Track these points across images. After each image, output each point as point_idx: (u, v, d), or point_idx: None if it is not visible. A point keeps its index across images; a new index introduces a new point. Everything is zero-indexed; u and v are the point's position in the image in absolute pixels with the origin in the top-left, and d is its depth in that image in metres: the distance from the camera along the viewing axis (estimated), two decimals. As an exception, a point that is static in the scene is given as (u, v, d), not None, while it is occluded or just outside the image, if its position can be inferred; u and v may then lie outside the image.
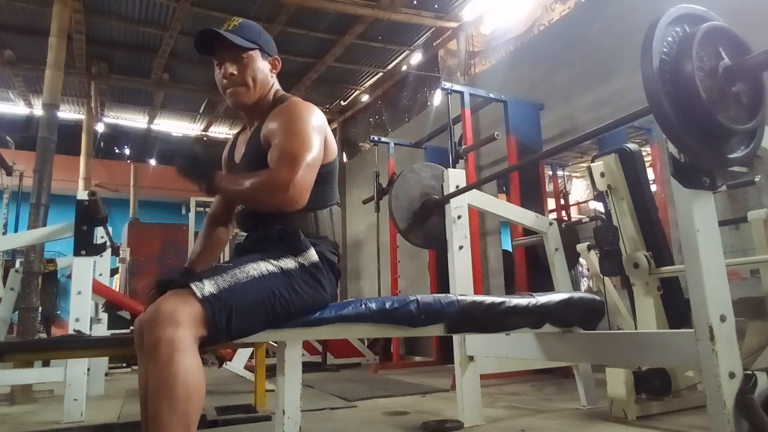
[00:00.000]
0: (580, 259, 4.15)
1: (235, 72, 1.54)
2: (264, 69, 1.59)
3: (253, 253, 1.43)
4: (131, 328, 4.05)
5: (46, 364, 3.30)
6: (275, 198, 1.38)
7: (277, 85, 1.66)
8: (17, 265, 5.09)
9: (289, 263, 1.41)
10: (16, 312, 4.04)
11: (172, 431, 1.11)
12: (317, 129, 1.49)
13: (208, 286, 1.24)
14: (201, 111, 9.79)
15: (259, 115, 1.60)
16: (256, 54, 1.57)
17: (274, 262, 1.39)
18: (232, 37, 1.51)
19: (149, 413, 1.14)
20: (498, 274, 5.43)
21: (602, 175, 2.63)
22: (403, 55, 7.73)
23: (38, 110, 8.61)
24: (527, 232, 3.79)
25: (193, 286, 1.22)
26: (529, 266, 4.24)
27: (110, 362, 5.16)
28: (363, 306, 1.54)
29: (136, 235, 9.20)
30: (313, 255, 1.45)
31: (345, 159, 9.70)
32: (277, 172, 1.39)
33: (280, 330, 1.41)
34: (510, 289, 4.92)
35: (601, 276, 2.86)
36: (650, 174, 3.78)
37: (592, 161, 2.75)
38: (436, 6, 6.57)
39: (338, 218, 1.61)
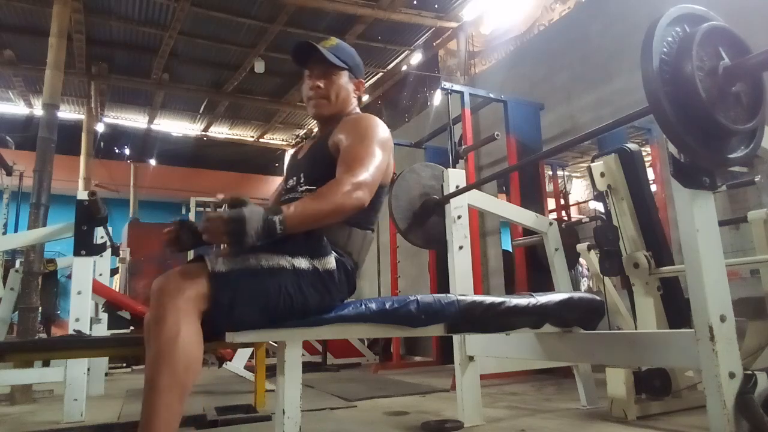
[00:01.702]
0: (580, 259, 4.15)
1: (322, 86, 1.67)
2: (348, 88, 1.72)
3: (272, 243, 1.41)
4: (131, 328, 4.06)
5: (46, 364, 3.29)
6: (342, 189, 1.38)
7: (355, 105, 1.76)
8: (17, 265, 5.08)
9: (303, 263, 1.40)
10: (16, 312, 4.04)
11: (168, 397, 1.15)
12: (383, 141, 1.56)
13: (220, 263, 1.29)
14: (201, 111, 9.79)
15: (331, 127, 1.68)
16: (345, 73, 1.70)
17: (289, 258, 1.38)
18: (327, 54, 1.64)
19: (145, 375, 1.18)
20: (498, 274, 5.43)
21: (602, 175, 2.63)
22: (403, 55, 7.73)
23: (38, 110, 8.61)
24: (527, 232, 3.79)
25: (206, 259, 1.28)
26: (529, 266, 4.24)
27: (110, 362, 5.16)
28: (363, 306, 1.53)
29: (136, 235, 9.19)
30: (330, 262, 1.44)
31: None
32: (344, 173, 1.44)
33: (280, 330, 1.41)
34: (510, 289, 4.91)
35: (601, 276, 2.86)
36: (650, 174, 3.78)
37: (592, 161, 2.75)
38: (436, 6, 6.57)
39: (369, 246, 1.62)
